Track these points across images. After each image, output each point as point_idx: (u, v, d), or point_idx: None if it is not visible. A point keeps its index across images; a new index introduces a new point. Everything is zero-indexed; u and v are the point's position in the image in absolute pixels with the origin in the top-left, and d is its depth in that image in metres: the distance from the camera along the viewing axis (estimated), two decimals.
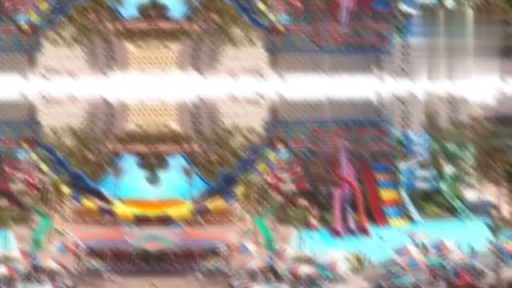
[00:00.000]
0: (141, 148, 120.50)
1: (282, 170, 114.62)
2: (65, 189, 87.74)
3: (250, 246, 72.82)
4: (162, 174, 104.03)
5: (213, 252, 70.27)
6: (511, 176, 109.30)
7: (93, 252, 68.14)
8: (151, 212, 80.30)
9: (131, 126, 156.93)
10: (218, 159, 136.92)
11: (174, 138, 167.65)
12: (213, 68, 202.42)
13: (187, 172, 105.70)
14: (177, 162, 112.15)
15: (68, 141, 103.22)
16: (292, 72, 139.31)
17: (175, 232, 75.04)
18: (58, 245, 71.06)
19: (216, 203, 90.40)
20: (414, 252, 66.98)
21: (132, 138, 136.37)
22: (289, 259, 67.20)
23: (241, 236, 76.27)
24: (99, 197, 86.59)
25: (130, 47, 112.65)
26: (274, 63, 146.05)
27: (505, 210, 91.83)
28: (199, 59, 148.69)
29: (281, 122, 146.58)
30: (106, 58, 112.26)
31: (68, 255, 67.89)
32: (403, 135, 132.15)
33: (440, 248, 68.38)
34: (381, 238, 78.79)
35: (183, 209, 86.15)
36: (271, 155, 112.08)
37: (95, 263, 66.20)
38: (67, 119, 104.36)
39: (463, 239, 71.10)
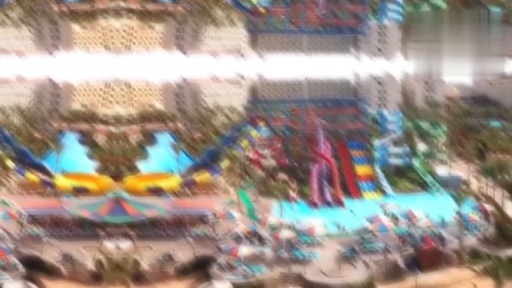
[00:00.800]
0: (84, 126, 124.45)
1: (263, 146, 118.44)
2: (10, 164, 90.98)
3: (235, 214, 77.12)
4: (151, 150, 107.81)
5: (202, 219, 74.62)
6: (482, 153, 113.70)
7: (34, 220, 72.78)
8: (90, 184, 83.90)
9: (76, 105, 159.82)
10: (202, 136, 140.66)
11: (159, 117, 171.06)
12: (196, 48, 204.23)
13: (174, 148, 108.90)
14: (165, 139, 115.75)
15: (16, 120, 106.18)
16: (271, 52, 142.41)
17: (167, 202, 79.47)
18: (2, 213, 75.07)
19: (202, 177, 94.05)
20: (385, 220, 71.22)
21: (76, 117, 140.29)
22: (270, 225, 71.59)
23: (226, 206, 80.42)
24: (42, 171, 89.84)
25: (75, 27, 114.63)
26: (254, 43, 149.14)
27: (473, 185, 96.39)
28: (183, 39, 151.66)
29: (261, 101, 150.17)
30: (52, 39, 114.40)
31: (11, 222, 72.32)
32: (378, 113, 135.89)
33: (409, 217, 71.88)
34: (352, 212, 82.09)
35: (173, 182, 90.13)
36: (253, 133, 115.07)
37: (36, 229, 70.42)
38: (15, 99, 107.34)
39: (432, 210, 74.50)
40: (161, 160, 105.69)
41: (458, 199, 67.72)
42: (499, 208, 76.63)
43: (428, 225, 69.08)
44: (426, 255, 61.60)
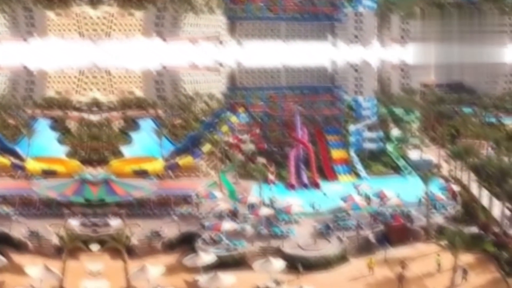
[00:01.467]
0: (58, 113, 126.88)
1: (243, 132, 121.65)
2: None
3: (218, 194, 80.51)
4: (134, 136, 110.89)
5: (185, 200, 78.20)
6: (454, 138, 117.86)
7: (5, 200, 76.16)
8: (58, 167, 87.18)
9: (50, 92, 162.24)
10: (182, 123, 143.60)
11: (139, 104, 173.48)
12: (176, 35, 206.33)
13: (157, 134, 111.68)
14: (147, 125, 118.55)
15: None
16: (250, 39, 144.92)
17: (152, 183, 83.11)
18: None
19: (185, 160, 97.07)
20: (358, 199, 75.16)
21: (50, 103, 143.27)
22: (250, 204, 75.33)
23: (208, 187, 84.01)
24: (14, 155, 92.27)
25: (50, 14, 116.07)
26: (233, 30, 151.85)
27: (444, 168, 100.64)
28: (163, 26, 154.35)
29: (240, 88, 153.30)
30: (26, 26, 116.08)
31: None
32: (353, 100, 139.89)
33: (380, 196, 75.87)
34: (325, 195, 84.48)
35: (157, 165, 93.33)
36: (233, 119, 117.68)
37: (6, 209, 73.71)
38: None
39: (403, 191, 77.88)
40: (144, 145, 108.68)
41: (425, 180, 71.58)
42: (466, 189, 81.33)
43: (398, 204, 72.93)
44: (395, 231, 65.52)
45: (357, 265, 57.85)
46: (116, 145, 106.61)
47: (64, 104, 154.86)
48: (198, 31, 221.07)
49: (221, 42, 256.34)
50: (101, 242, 58.21)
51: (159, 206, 75.77)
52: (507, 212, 67.27)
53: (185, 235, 65.39)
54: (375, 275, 54.80)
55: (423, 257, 58.57)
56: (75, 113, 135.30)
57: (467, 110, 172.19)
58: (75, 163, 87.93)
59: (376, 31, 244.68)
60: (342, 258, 59.39)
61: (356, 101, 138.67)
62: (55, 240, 61.06)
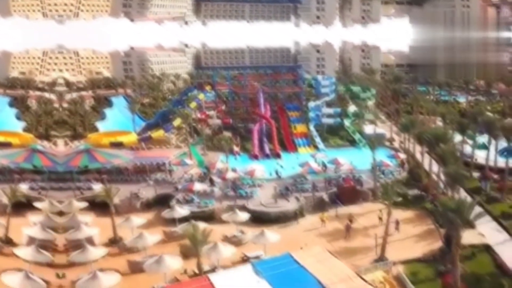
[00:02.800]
0: (20, 92, 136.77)
1: (210, 108, 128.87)
2: None
3: (189, 161, 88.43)
4: (108, 112, 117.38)
5: (159, 167, 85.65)
6: (409, 113, 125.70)
7: None
8: (13, 140, 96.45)
9: (14, 73, 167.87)
10: (151, 101, 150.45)
11: (109, 84, 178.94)
12: (143, 15, 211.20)
13: (130, 110, 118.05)
14: (120, 102, 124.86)
15: None
16: (214, 20, 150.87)
17: (129, 152, 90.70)
18: None
19: (157, 133, 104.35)
20: (314, 165, 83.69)
21: (13, 83, 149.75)
22: (218, 169, 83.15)
23: (179, 157, 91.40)
24: None
25: None
26: (198, 11, 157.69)
27: (396, 141, 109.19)
28: (130, 6, 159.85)
29: (205, 68, 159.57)
30: None
31: None
32: (313, 79, 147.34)
33: (335, 163, 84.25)
34: (282, 167, 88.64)
35: (131, 138, 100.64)
36: (200, 96, 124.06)
37: None
38: None
39: (356, 160, 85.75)
40: (117, 121, 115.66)
41: (372, 148, 79.80)
42: (412, 157, 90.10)
43: (350, 169, 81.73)
44: (346, 192, 73.85)
45: (312, 219, 66.02)
46: (91, 121, 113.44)
47: (27, 84, 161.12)
48: (164, 12, 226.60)
49: (186, 23, 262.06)
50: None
51: (136, 173, 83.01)
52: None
53: (161, 196, 72.87)
54: (326, 227, 62.95)
55: (369, 213, 66.74)
56: (37, 93, 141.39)
57: (421, 88, 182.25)
58: (28, 136, 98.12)
59: (338, 12, 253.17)
60: (299, 214, 67.52)
61: (316, 79, 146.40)
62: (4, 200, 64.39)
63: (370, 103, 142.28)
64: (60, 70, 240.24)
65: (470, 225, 60.96)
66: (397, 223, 61.31)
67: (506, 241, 56.97)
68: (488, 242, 56.35)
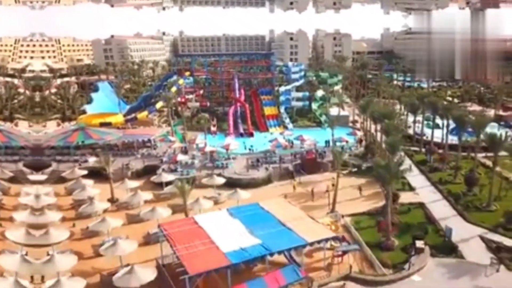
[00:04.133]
0: None
1: (189, 92, 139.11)
2: None
3: (172, 138, 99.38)
4: (94, 96, 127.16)
5: (145, 144, 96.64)
6: (374, 97, 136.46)
7: None
8: None
9: None
10: (132, 86, 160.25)
11: (90, 70, 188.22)
12: (122, 1, 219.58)
13: (115, 94, 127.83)
14: (105, 87, 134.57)
15: None
16: (191, 6, 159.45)
17: (119, 131, 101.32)
18: None
19: (142, 114, 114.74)
20: (281, 140, 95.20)
21: None
22: (197, 144, 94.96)
23: (163, 135, 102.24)
24: None
25: None
26: None
27: (358, 124, 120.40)
28: None
29: (182, 55, 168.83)
30: None
31: None
32: (284, 65, 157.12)
33: (300, 139, 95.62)
34: (252, 147, 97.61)
35: (118, 119, 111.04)
36: (180, 81, 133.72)
37: None
38: None
39: (321, 138, 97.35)
40: (103, 104, 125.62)
41: (331, 126, 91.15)
42: (368, 134, 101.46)
43: (313, 144, 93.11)
44: (309, 163, 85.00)
45: (278, 185, 77.17)
46: (80, 104, 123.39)
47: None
48: None
49: (164, 8, 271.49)
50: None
51: (124, 149, 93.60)
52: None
53: (148, 167, 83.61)
54: (290, 191, 73.71)
55: (326, 181, 77.09)
56: (7, 79, 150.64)
57: (386, 74, 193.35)
58: None
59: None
60: (267, 181, 78.84)
61: (287, 66, 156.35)
62: None
63: (337, 88, 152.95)
64: (42, 57, 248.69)
65: (411, 188, 73.69)
66: (360, 188, 72.87)
67: (437, 200, 68.99)
68: (423, 201, 68.11)
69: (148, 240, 54.98)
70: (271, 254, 44.01)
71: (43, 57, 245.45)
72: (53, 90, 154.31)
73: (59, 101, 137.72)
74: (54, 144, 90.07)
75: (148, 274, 41.71)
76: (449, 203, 67.10)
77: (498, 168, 69.17)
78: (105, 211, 61.14)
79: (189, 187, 56.92)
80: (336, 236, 49.51)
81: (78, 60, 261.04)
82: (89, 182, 69.78)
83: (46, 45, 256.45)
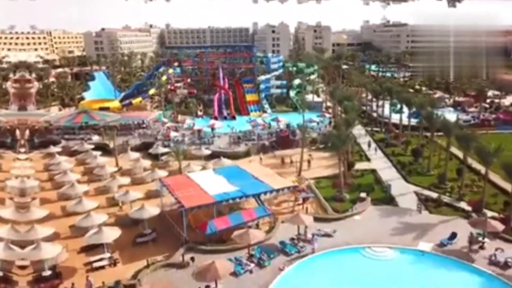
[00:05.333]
0: None
1: (178, 81, 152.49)
2: None
3: (164, 119, 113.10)
4: (91, 84, 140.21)
5: (140, 125, 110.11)
6: (349, 86, 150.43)
7: None
8: None
9: None
10: (123, 76, 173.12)
11: (82, 61, 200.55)
12: None
13: (111, 83, 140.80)
14: (100, 77, 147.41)
15: None
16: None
17: (117, 114, 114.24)
18: None
19: (136, 100, 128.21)
20: (260, 122, 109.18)
21: None
22: (187, 124, 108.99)
23: (157, 116, 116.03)
24: None
25: None
26: None
27: (330, 110, 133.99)
28: None
29: (169, 47, 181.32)
30: None
31: None
32: (264, 56, 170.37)
33: (276, 120, 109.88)
34: (234, 127, 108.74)
35: (115, 104, 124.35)
36: (170, 71, 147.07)
37: None
38: None
39: (295, 120, 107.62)
40: (99, 91, 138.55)
41: (303, 110, 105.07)
42: (336, 115, 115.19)
43: (287, 124, 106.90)
44: (282, 140, 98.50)
45: (256, 157, 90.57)
46: (78, 92, 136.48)
47: None
48: None
49: (151, 0, 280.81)
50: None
51: (123, 129, 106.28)
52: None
53: (145, 143, 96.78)
54: (266, 161, 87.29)
55: (297, 155, 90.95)
56: None
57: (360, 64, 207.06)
58: None
59: None
60: (247, 154, 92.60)
61: (267, 57, 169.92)
62: None
63: (313, 77, 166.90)
64: (35, 49, 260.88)
65: (365, 157, 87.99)
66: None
67: (387, 168, 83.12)
68: (375, 168, 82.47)
69: (150, 195, 68.68)
70: (246, 196, 58.46)
71: (35, 49, 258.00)
72: (51, 80, 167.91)
73: (55, 89, 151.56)
74: (62, 124, 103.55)
75: (154, 210, 56.21)
76: (396, 169, 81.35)
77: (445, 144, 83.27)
78: (112, 174, 74.96)
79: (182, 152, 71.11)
80: (296, 186, 64.17)
81: (69, 52, 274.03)
82: (97, 153, 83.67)
83: (38, 38, 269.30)
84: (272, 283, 44.52)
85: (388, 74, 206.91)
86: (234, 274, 45.75)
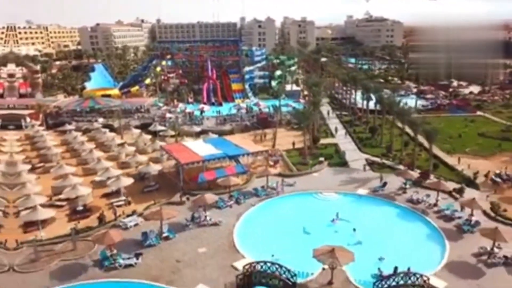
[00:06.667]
0: None
1: (170, 72, 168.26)
2: None
3: (160, 104, 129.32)
4: (92, 75, 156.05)
5: (138, 109, 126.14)
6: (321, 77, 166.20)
7: None
8: None
9: None
10: (120, 68, 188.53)
11: (77, 55, 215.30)
12: None
13: (109, 74, 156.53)
14: (100, 68, 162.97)
15: None
16: None
17: (119, 100, 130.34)
18: None
19: (134, 88, 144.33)
20: (243, 106, 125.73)
21: None
22: (180, 108, 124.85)
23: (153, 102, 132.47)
24: None
25: None
26: None
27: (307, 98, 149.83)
28: None
29: (160, 42, 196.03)
30: None
31: None
32: (249, 50, 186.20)
33: (256, 104, 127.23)
34: (219, 112, 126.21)
35: (115, 91, 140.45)
36: (163, 63, 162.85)
37: None
38: None
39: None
40: (99, 81, 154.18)
41: (279, 94, 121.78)
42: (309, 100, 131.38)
43: (265, 107, 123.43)
44: (262, 121, 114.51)
45: (241, 138, 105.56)
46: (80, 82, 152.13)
47: None
48: None
49: None
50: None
51: (124, 113, 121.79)
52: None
53: (144, 124, 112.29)
54: (248, 138, 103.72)
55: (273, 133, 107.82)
56: None
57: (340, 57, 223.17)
58: None
59: None
60: (231, 132, 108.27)
61: (251, 50, 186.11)
62: None
63: (293, 68, 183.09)
64: (33, 43, 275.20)
65: (331, 134, 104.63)
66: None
67: (347, 142, 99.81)
68: (337, 142, 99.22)
69: (152, 161, 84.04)
70: (229, 157, 75.58)
71: (33, 43, 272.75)
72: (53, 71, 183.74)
73: (56, 80, 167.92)
74: (72, 108, 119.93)
75: (157, 167, 73.51)
76: (354, 143, 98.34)
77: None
78: (119, 145, 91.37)
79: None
80: (267, 150, 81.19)
81: (65, 46, 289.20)
82: (105, 130, 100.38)
83: (36, 32, 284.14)
84: (245, 213, 61.36)
85: (366, 66, 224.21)
86: (218, 207, 62.56)
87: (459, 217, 58.73)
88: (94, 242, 51.21)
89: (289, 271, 40.39)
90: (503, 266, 47.51)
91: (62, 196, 64.44)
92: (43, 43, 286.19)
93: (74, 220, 60.08)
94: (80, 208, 62.70)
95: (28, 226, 57.21)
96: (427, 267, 45.12)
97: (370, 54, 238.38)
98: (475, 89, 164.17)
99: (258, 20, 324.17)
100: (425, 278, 39.60)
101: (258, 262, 41.60)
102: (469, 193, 67.06)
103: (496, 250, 49.37)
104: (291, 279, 40.47)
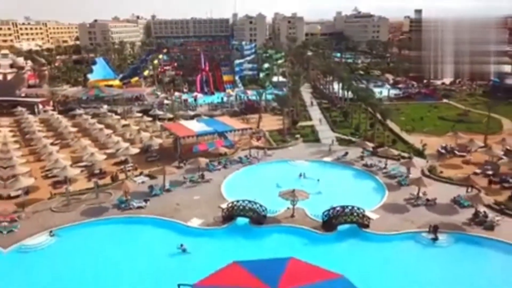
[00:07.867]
0: None
1: (166, 65, 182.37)
2: None
3: (158, 93, 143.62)
4: (94, 67, 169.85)
5: (138, 98, 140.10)
6: (307, 70, 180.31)
7: None
8: None
9: None
10: (118, 62, 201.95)
11: (76, 50, 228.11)
12: None
13: (109, 67, 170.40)
14: (101, 61, 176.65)
15: None
16: None
17: (121, 89, 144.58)
18: None
19: (134, 79, 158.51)
20: (232, 93, 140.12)
21: None
22: (175, 95, 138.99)
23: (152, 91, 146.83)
24: None
25: None
26: None
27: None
28: None
29: (155, 37, 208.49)
30: None
31: None
32: (239, 44, 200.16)
33: (244, 92, 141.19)
34: (212, 101, 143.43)
35: (117, 82, 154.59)
36: (160, 56, 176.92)
37: None
38: None
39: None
40: (100, 73, 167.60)
41: (263, 85, 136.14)
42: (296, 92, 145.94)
43: (252, 95, 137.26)
44: (249, 107, 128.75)
45: (229, 118, 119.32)
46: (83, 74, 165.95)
47: None
48: None
49: None
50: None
51: (126, 101, 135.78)
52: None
53: (144, 109, 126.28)
54: (237, 121, 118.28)
55: (262, 118, 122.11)
56: None
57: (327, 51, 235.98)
58: None
59: None
60: (222, 115, 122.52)
61: (241, 45, 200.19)
62: None
63: (280, 61, 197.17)
64: (33, 39, 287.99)
65: (309, 118, 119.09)
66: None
67: (323, 124, 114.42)
68: (314, 124, 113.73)
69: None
70: (218, 133, 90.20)
71: (33, 39, 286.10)
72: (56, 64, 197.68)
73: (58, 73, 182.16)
74: (79, 96, 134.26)
75: (159, 141, 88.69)
76: (329, 124, 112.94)
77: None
78: (124, 125, 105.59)
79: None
80: (251, 127, 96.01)
81: (64, 41, 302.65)
82: (111, 114, 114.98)
83: (35, 28, 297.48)
84: (231, 174, 76.14)
85: (350, 60, 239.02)
86: (209, 170, 77.25)
87: (401, 176, 73.85)
88: (114, 189, 66.08)
89: (261, 206, 55.94)
90: (424, 206, 62.44)
91: (81, 164, 79.02)
92: (42, 38, 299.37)
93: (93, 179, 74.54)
94: (97, 171, 77.25)
95: (57, 184, 71.90)
96: (368, 207, 59.67)
97: (353, 49, 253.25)
98: (448, 80, 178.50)
99: (249, 16, 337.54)
100: (361, 210, 55.01)
101: (238, 201, 56.95)
102: (417, 162, 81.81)
103: (421, 195, 64.43)
104: (263, 212, 56.02)
